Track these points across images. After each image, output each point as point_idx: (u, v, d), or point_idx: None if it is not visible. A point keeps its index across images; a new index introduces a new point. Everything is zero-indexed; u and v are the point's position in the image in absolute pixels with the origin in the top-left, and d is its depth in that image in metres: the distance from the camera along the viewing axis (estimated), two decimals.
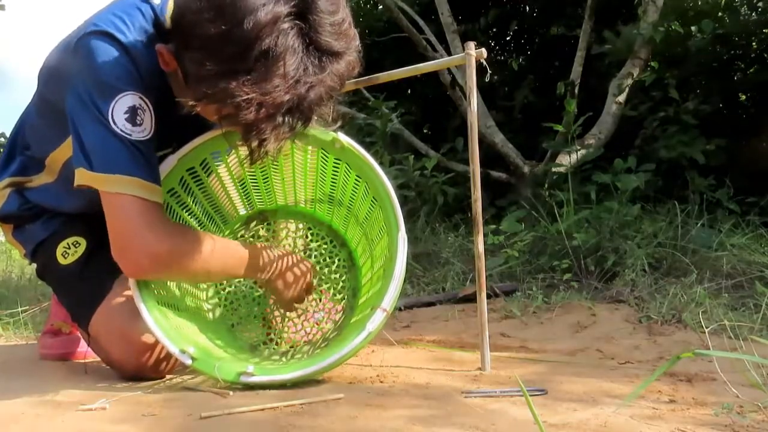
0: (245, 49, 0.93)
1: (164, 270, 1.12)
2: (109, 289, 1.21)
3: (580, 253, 2.13)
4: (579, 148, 2.94)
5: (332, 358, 1.08)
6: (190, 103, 0.99)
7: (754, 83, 3.35)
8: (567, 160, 2.99)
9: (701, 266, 2.02)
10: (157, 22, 1.11)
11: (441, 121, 4.19)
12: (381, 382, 1.14)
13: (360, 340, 1.07)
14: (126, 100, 1.05)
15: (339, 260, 1.44)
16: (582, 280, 2.08)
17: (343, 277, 1.43)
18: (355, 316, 1.31)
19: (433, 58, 3.09)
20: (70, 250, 1.27)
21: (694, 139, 2.92)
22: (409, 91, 4.40)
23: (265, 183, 1.37)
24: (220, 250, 1.17)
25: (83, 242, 1.28)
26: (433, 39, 3.66)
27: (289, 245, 1.44)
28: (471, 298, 1.85)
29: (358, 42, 1.03)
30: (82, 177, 1.06)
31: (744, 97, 3.56)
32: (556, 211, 2.37)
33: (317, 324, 1.40)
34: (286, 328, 1.40)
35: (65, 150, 1.17)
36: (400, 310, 1.95)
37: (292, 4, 0.94)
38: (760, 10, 3.38)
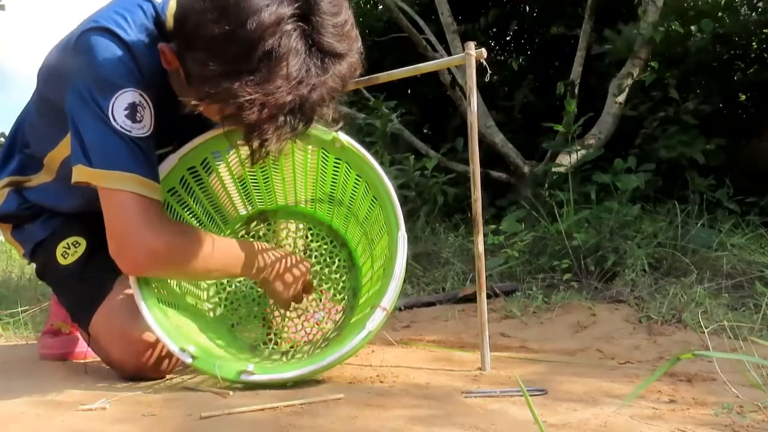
0: (248, 50, 0.93)
1: (162, 267, 1.12)
2: (110, 290, 1.21)
3: (580, 253, 2.13)
4: (579, 148, 2.94)
5: (333, 356, 1.08)
6: (193, 102, 0.99)
7: (754, 83, 3.35)
8: (567, 160, 2.99)
9: (701, 266, 2.02)
10: (158, 20, 1.11)
11: (441, 121, 4.19)
12: (381, 382, 1.14)
13: (360, 338, 1.07)
14: (126, 97, 1.05)
15: (339, 260, 1.44)
16: (582, 280, 2.08)
17: (344, 277, 1.43)
18: (355, 316, 1.31)
19: (433, 58, 3.09)
20: (69, 250, 1.27)
21: (694, 139, 2.92)
22: (409, 91, 4.40)
23: (265, 183, 1.37)
24: (219, 249, 1.17)
25: (83, 242, 1.28)
26: (433, 39, 3.66)
27: (290, 245, 1.44)
28: (471, 298, 1.85)
29: (360, 43, 1.03)
30: (81, 174, 1.06)
31: (744, 97, 3.57)
32: (556, 211, 2.37)
33: (317, 324, 1.40)
34: (286, 328, 1.40)
35: (63, 149, 1.17)
36: (400, 310, 1.95)
37: (296, 5, 0.94)
38: (760, 10, 3.39)
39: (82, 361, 1.36)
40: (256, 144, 1.00)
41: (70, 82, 1.07)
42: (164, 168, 1.18)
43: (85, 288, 1.23)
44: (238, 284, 1.41)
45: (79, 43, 1.07)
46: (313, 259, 1.44)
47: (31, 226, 1.31)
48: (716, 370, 1.14)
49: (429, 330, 1.72)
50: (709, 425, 0.88)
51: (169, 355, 1.18)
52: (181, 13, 1.01)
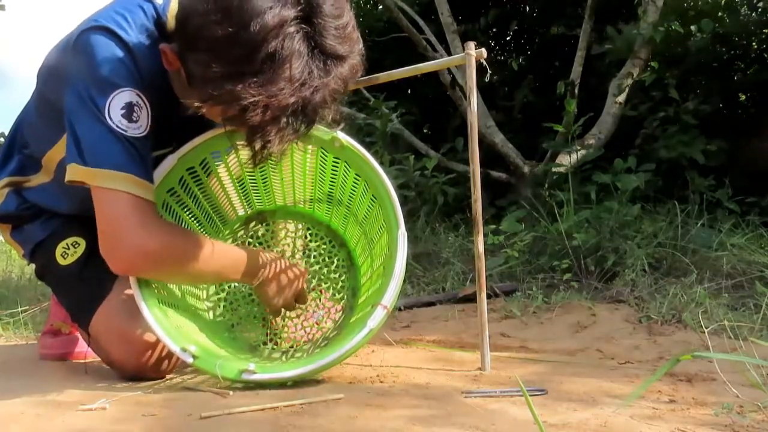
0: (252, 52, 0.93)
1: (154, 269, 1.11)
2: (109, 290, 1.20)
3: (580, 253, 2.13)
4: (579, 148, 2.94)
5: (334, 355, 1.07)
6: (195, 104, 0.99)
7: (754, 83, 3.35)
8: (567, 160, 2.99)
9: (701, 266, 2.02)
10: (159, 21, 1.11)
11: (441, 121, 4.19)
12: (381, 382, 1.14)
13: (361, 336, 1.07)
14: (123, 96, 1.05)
15: (338, 260, 1.44)
16: (582, 280, 2.08)
17: (343, 277, 1.43)
18: (355, 315, 1.31)
19: (433, 58, 3.09)
20: (69, 251, 1.27)
21: (694, 139, 2.92)
22: (409, 91, 4.40)
23: (264, 183, 1.37)
24: (213, 253, 1.16)
25: (82, 242, 1.28)
26: (433, 39, 3.66)
27: (288, 246, 1.44)
28: (471, 298, 1.85)
29: (361, 45, 1.03)
30: (75, 172, 1.06)
31: (744, 97, 3.57)
32: (556, 211, 2.37)
33: (317, 323, 1.40)
34: (285, 328, 1.40)
35: (61, 149, 1.17)
36: (400, 310, 1.95)
37: (299, 8, 0.95)
38: (760, 10, 3.39)
39: (82, 361, 1.36)
40: (258, 146, 1.00)
41: (69, 81, 1.07)
42: (163, 168, 1.18)
43: (84, 288, 1.23)
44: (237, 284, 1.41)
45: (79, 42, 1.07)
46: (312, 259, 1.44)
47: (30, 227, 1.31)
48: (716, 370, 1.14)
49: (429, 330, 1.72)
50: (709, 425, 0.88)
51: (169, 355, 1.17)
52: (183, 15, 1.01)
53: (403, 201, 2.97)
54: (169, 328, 1.10)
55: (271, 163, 1.30)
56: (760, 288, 1.75)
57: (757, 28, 3.31)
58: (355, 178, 1.27)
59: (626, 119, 3.25)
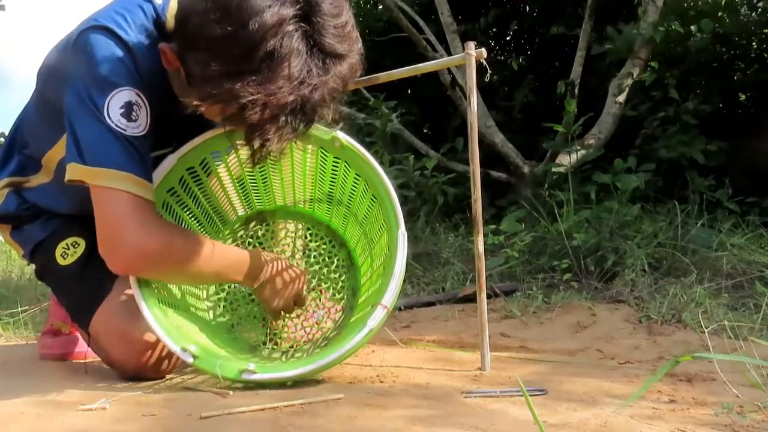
0: (251, 51, 0.93)
1: (152, 268, 1.11)
2: (109, 290, 1.20)
3: (580, 253, 2.13)
4: (579, 148, 2.94)
5: (334, 355, 1.07)
6: (195, 103, 0.99)
7: (754, 83, 3.35)
8: (567, 160, 2.99)
9: (701, 266, 2.02)
10: (158, 21, 1.11)
11: (441, 121, 4.19)
12: (381, 382, 1.14)
13: (361, 336, 1.07)
14: (122, 95, 1.05)
15: (338, 260, 1.44)
16: (582, 280, 2.08)
17: (342, 277, 1.43)
18: (355, 315, 1.31)
19: (433, 58, 3.09)
20: (69, 251, 1.27)
21: (694, 139, 2.92)
22: (409, 91, 4.40)
23: (264, 183, 1.37)
24: (213, 253, 1.16)
25: (82, 243, 1.28)
26: (433, 39, 3.66)
27: (288, 246, 1.44)
28: (471, 298, 1.85)
29: (360, 44, 1.04)
30: (74, 171, 1.06)
31: (744, 97, 3.57)
32: (556, 211, 2.37)
33: (317, 323, 1.40)
34: (285, 328, 1.40)
35: (60, 149, 1.17)
36: (400, 309, 1.95)
37: (297, 6, 0.95)
38: (760, 10, 3.39)
39: (82, 361, 1.36)
40: (257, 144, 1.00)
41: (69, 81, 1.07)
42: (163, 168, 1.18)
43: (84, 288, 1.23)
44: (237, 284, 1.41)
45: (78, 42, 1.07)
46: (312, 259, 1.44)
47: (30, 227, 1.31)
48: (716, 370, 1.14)
49: (429, 330, 1.72)
50: (709, 425, 0.88)
51: (169, 355, 1.17)
52: (183, 14, 1.01)
53: (403, 201, 2.97)
54: (169, 328, 1.10)
55: (271, 163, 1.30)
56: (760, 288, 1.75)
57: (757, 28, 3.31)
58: (355, 178, 1.27)
59: (626, 119, 3.25)
